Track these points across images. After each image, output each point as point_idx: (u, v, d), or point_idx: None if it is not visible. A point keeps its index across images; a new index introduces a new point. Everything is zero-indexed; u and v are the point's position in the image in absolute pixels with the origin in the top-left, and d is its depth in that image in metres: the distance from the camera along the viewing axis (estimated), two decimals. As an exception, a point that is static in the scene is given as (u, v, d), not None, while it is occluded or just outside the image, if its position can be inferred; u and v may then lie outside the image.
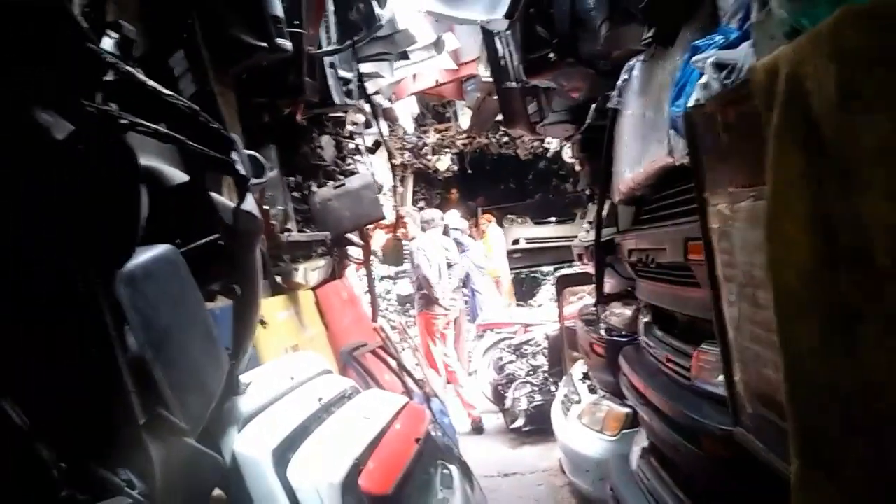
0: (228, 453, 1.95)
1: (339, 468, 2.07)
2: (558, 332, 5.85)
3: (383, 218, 5.27)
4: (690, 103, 1.61)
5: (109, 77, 1.38)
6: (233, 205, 1.91)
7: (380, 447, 2.35)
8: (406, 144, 10.12)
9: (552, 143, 9.46)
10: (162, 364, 1.38)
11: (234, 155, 1.89)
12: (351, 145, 5.71)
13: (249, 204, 1.97)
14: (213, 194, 1.94)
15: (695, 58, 1.61)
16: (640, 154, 2.59)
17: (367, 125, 6.24)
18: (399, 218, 6.84)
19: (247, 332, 2.10)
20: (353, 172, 5.32)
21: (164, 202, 1.64)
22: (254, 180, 1.99)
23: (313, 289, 4.42)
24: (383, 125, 6.19)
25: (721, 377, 1.81)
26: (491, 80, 5.51)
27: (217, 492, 1.91)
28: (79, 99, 1.20)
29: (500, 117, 6.30)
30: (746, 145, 1.32)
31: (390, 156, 7.04)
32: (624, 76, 2.85)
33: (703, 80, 1.56)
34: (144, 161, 1.50)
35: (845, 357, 1.03)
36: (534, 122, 5.23)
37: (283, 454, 2.04)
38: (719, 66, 1.50)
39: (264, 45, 2.61)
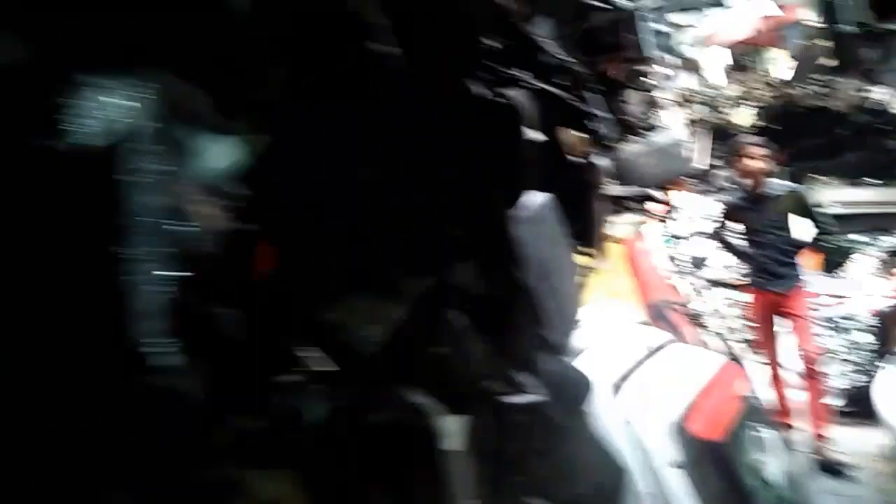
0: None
1: (673, 408, 2.19)
2: (892, 309, 5.21)
3: (690, 172, 5.14)
4: None
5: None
6: (584, 161, 2.11)
7: (706, 396, 2.41)
8: (708, 98, 9.53)
9: (885, 96, 8.15)
10: (543, 293, 1.63)
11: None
12: (657, 100, 5.62)
13: (599, 160, 2.15)
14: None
15: None
16: None
17: (673, 78, 6.06)
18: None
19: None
20: (658, 127, 5.25)
21: (533, 157, 1.89)
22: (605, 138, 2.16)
23: (622, 242, 4.55)
24: (691, 78, 5.97)
25: None
26: (815, 25, 4.97)
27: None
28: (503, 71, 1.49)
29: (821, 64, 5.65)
30: None
31: (692, 110, 6.75)
32: None
33: None
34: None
35: None
36: (868, 70, 4.65)
37: (620, 386, 2.23)
38: None
39: (607, 6, 2.71)
